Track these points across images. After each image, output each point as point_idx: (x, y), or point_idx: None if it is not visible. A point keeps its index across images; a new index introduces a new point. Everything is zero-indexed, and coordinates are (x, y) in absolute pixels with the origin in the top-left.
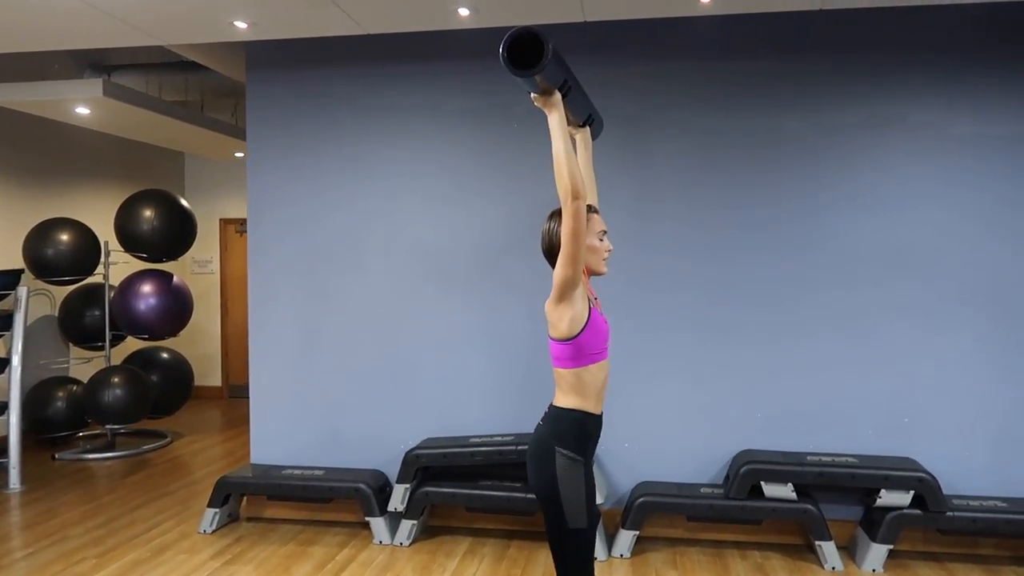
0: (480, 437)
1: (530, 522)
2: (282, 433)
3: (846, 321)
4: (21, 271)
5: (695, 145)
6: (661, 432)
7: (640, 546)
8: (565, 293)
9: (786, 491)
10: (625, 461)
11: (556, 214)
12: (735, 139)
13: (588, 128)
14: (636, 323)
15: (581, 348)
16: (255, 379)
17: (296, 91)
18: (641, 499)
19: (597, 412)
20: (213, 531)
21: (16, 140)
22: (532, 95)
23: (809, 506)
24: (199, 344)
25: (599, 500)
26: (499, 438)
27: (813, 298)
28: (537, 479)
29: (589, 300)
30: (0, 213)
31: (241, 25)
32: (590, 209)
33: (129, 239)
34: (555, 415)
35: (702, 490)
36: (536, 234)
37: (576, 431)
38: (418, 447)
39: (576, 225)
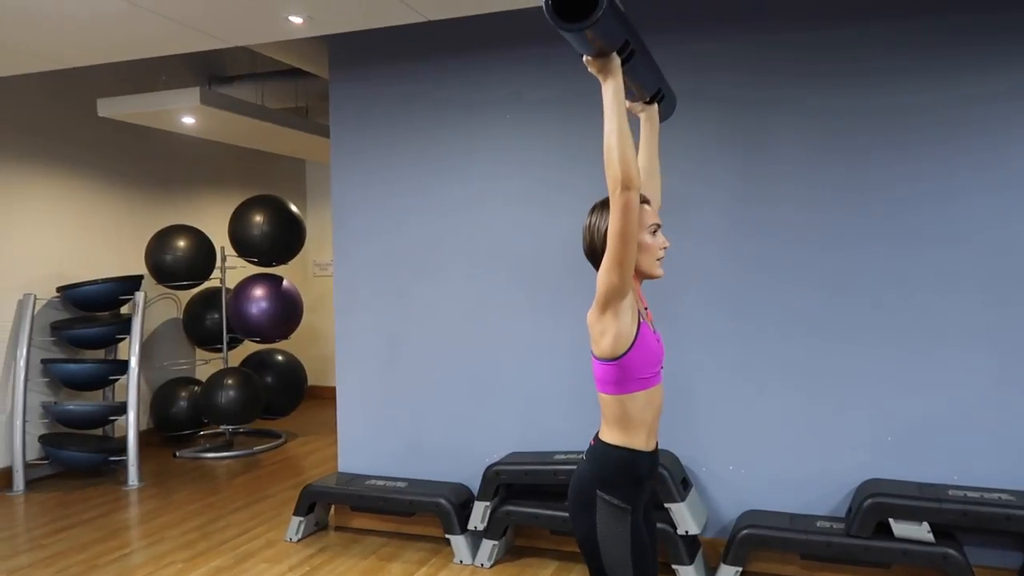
0: (565, 453)
1: None
2: (368, 442)
3: (998, 327)
4: (140, 277)
5: (811, 122)
6: (771, 454)
7: None
8: (610, 303)
9: (921, 531)
10: (729, 486)
11: (602, 205)
12: (857, 115)
13: (656, 106)
14: (741, 325)
15: (627, 371)
16: (341, 386)
17: (375, 88)
18: (746, 531)
19: (648, 448)
20: (299, 539)
21: (140, 152)
22: (584, 58)
23: (950, 550)
24: (319, 345)
25: (695, 530)
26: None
27: (956, 299)
28: (577, 528)
29: (639, 312)
30: (126, 221)
31: (296, 20)
32: (640, 200)
33: (241, 244)
34: (598, 452)
35: (819, 524)
36: None
37: (623, 473)
38: (499, 462)
39: (625, 222)
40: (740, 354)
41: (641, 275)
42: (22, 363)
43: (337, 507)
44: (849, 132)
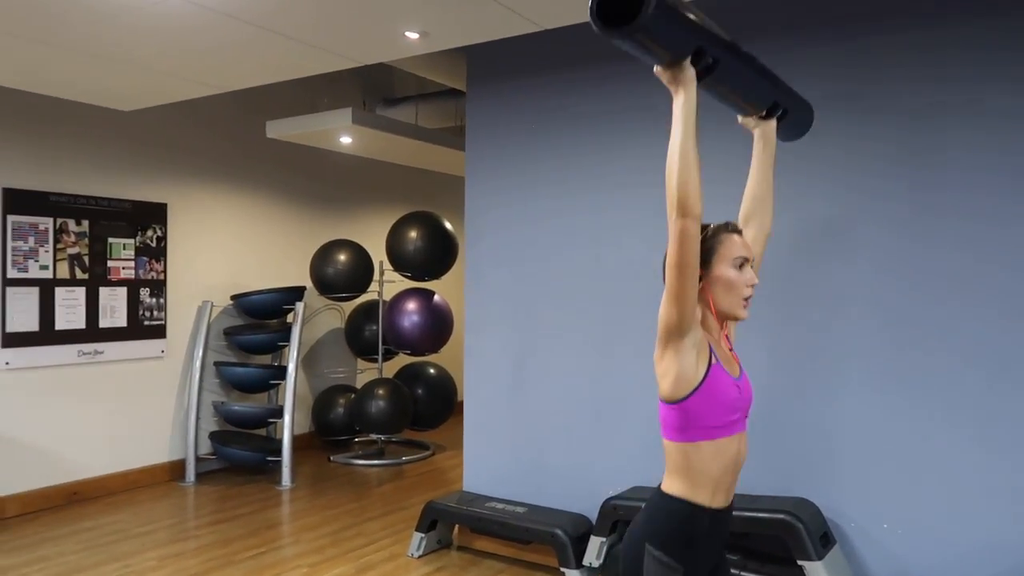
0: None
1: None
2: (493, 462)
3: None
4: (303, 288)
5: (990, 125)
6: (937, 513)
7: None
8: (670, 340)
9: None
10: (883, 547)
11: None
12: None
13: (774, 122)
14: (903, 356)
15: (690, 417)
16: (469, 405)
17: (509, 103)
18: None
19: (714, 505)
20: (420, 556)
21: (309, 170)
22: (655, 68)
23: None
24: None
25: None
26: None
27: None
28: None
29: (712, 354)
30: (296, 235)
31: (413, 35)
32: (727, 228)
33: (397, 258)
34: (654, 503)
35: None
36: (779, 254)
37: (677, 528)
38: (617, 496)
39: (682, 252)
40: (902, 390)
41: (722, 315)
42: (198, 364)
43: (461, 527)
44: None
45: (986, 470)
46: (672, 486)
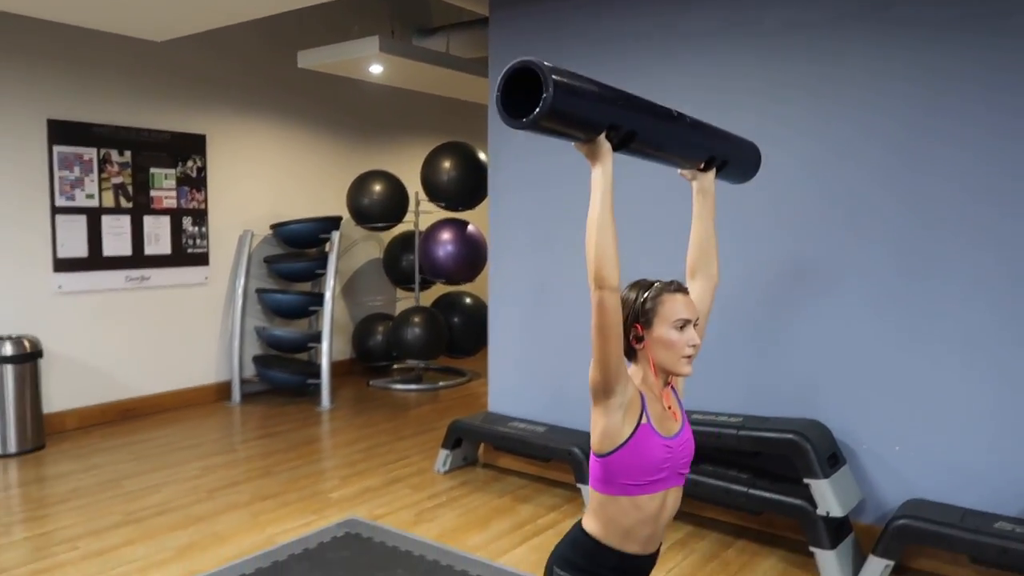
0: (703, 414)
1: (760, 521)
2: (516, 384)
3: None
4: (339, 218)
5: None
6: (948, 438)
7: None
8: (597, 398)
9: None
10: (894, 469)
11: (635, 286)
12: None
13: (712, 173)
14: (918, 283)
15: (611, 472)
16: (493, 329)
17: (534, 27)
18: (902, 521)
19: (626, 551)
20: (446, 471)
21: (346, 102)
22: (573, 144)
23: None
24: None
25: (838, 512)
26: (723, 418)
27: None
28: None
29: (644, 413)
30: (332, 165)
31: None
32: (670, 288)
33: (432, 189)
34: (571, 533)
35: (997, 525)
36: (794, 173)
37: (582, 561)
38: None
39: (601, 321)
40: (916, 316)
41: (663, 372)
42: (240, 291)
43: (485, 445)
44: None
45: (1000, 397)
46: (588, 523)
